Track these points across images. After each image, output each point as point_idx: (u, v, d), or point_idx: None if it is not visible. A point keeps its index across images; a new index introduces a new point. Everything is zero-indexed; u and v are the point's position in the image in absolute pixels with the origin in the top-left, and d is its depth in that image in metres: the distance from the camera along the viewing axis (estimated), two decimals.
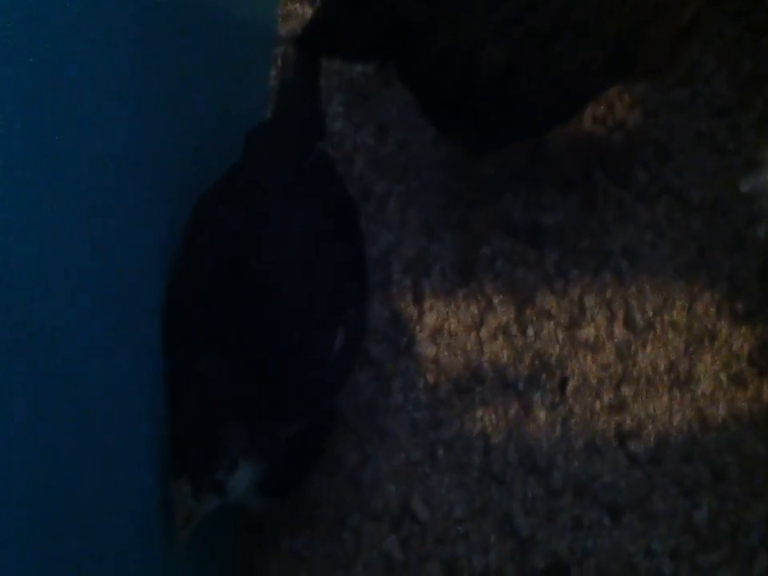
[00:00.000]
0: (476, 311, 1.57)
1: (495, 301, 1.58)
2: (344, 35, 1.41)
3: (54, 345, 0.95)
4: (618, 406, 1.52)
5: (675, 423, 1.51)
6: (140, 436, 1.16)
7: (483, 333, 1.56)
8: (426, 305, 1.58)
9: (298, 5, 1.74)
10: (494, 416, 1.52)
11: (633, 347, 1.55)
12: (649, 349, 1.55)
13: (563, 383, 1.53)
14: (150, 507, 1.17)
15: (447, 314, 1.58)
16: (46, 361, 0.93)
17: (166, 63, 1.23)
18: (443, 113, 1.46)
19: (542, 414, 1.52)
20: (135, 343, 1.16)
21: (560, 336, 1.56)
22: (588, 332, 1.56)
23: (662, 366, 1.54)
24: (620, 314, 1.57)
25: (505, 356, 1.55)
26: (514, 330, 1.56)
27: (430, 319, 1.57)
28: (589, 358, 1.55)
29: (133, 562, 1.12)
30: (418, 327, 1.57)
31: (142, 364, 1.17)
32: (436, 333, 1.57)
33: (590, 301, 1.57)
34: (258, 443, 1.20)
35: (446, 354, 1.56)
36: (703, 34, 1.68)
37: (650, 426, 1.51)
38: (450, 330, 1.57)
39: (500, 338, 1.56)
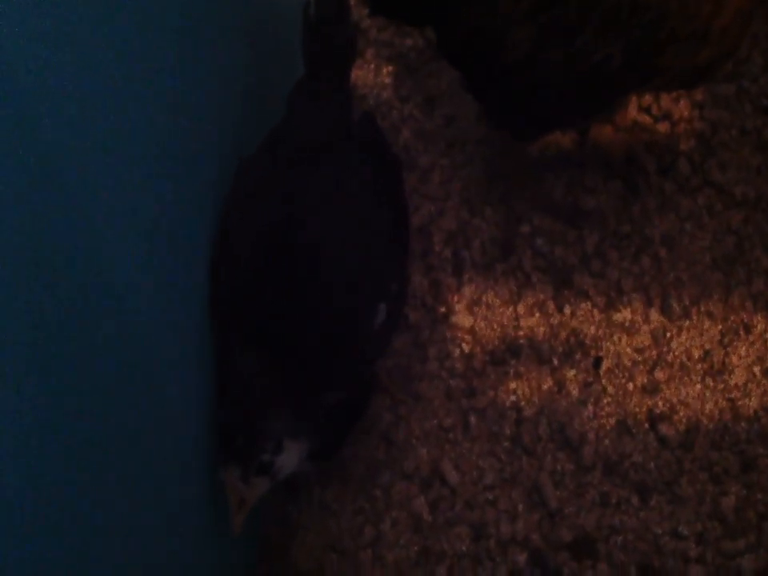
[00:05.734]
0: (514, 286, 1.57)
1: (533, 278, 1.58)
2: None
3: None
4: (651, 389, 1.52)
5: (707, 411, 1.51)
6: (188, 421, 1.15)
7: (520, 308, 1.56)
8: (465, 276, 1.58)
9: None
10: (527, 389, 1.52)
11: (668, 333, 1.55)
12: (684, 336, 1.55)
13: (597, 363, 1.53)
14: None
15: (485, 286, 1.57)
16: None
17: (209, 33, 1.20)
18: (480, 89, 1.46)
19: (574, 391, 1.52)
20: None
21: (596, 316, 1.56)
22: (624, 315, 1.56)
23: (696, 354, 1.54)
24: (657, 300, 1.56)
25: (540, 332, 1.55)
26: (550, 307, 1.56)
27: (469, 291, 1.57)
28: (624, 340, 1.55)
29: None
30: (456, 297, 1.57)
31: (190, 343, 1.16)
32: (473, 304, 1.57)
33: (627, 284, 1.57)
34: (301, 423, 1.19)
35: (483, 325, 1.55)
36: (752, 33, 1.69)
37: (682, 412, 1.51)
38: (488, 302, 1.57)
39: (536, 314, 1.56)
